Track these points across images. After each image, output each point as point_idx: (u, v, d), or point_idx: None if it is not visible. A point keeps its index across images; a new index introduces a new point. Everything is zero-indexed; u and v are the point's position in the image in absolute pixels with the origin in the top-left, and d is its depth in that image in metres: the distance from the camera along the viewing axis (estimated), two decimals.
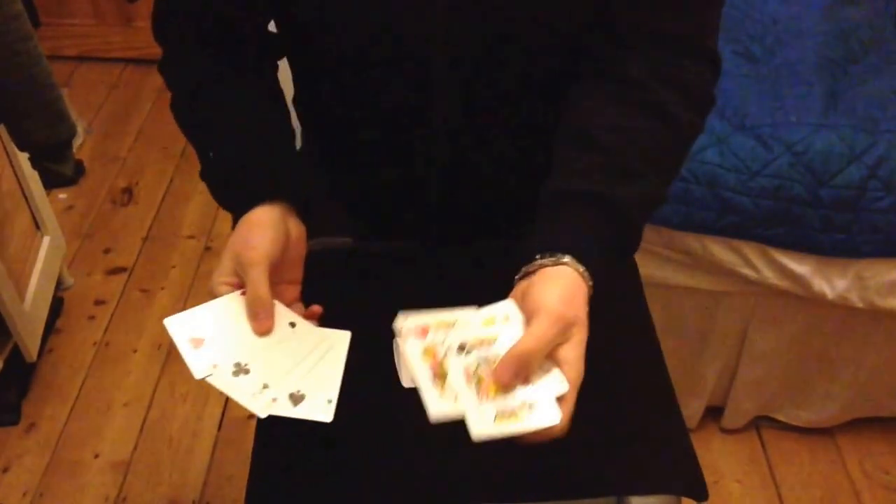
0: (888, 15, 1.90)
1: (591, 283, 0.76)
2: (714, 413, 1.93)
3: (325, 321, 0.99)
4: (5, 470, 1.87)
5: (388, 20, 0.86)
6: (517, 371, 0.70)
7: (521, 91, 0.93)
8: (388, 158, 0.98)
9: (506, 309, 0.76)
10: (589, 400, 0.93)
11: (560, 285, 0.74)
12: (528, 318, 0.73)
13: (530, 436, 0.70)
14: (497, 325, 0.75)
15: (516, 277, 0.79)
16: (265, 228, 0.81)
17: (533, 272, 0.77)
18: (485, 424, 0.69)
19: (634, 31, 0.88)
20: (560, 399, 0.71)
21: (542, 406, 0.69)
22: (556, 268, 0.76)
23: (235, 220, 0.85)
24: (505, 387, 0.70)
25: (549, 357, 0.72)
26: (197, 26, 0.91)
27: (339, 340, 0.79)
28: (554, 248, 0.78)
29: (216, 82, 0.91)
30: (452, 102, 0.92)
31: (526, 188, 0.99)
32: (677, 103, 0.86)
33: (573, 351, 0.72)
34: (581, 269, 0.76)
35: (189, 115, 0.93)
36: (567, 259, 0.76)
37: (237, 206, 0.85)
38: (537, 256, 0.78)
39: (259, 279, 0.77)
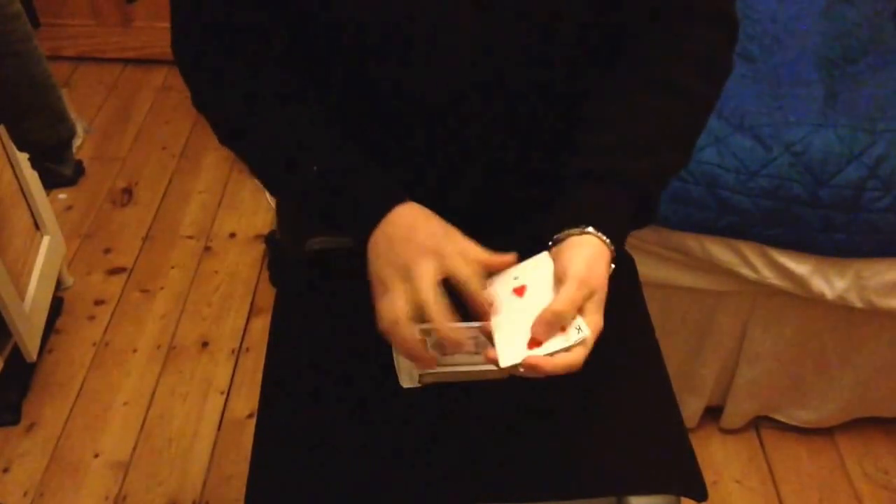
0: (887, 14, 1.90)
1: (612, 248, 0.84)
2: (713, 413, 1.94)
3: (324, 321, 1.00)
4: (5, 470, 1.87)
5: (413, 12, 0.86)
6: (551, 327, 0.79)
7: (541, 83, 0.95)
8: (405, 157, 0.98)
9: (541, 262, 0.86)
10: (588, 400, 0.93)
11: (585, 252, 0.83)
12: (558, 280, 0.82)
13: (547, 363, 0.78)
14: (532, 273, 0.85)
15: (549, 244, 0.86)
16: (441, 222, 0.84)
17: (562, 240, 0.85)
18: (515, 353, 0.80)
19: (646, 4, 0.91)
20: (581, 343, 0.79)
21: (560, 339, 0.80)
22: (581, 237, 0.84)
23: (362, 228, 0.85)
24: (538, 340, 0.80)
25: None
26: (227, 40, 0.90)
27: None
28: (578, 223, 0.84)
29: (276, 98, 0.91)
30: (476, 94, 0.93)
31: (544, 176, 1.02)
32: (690, 78, 0.91)
33: (593, 306, 0.81)
34: (605, 239, 0.84)
35: (257, 137, 0.92)
36: (591, 230, 0.84)
37: (372, 214, 0.85)
38: (565, 231, 0.85)
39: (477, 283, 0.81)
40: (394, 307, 0.79)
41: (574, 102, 1.00)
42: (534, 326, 0.79)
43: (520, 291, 0.84)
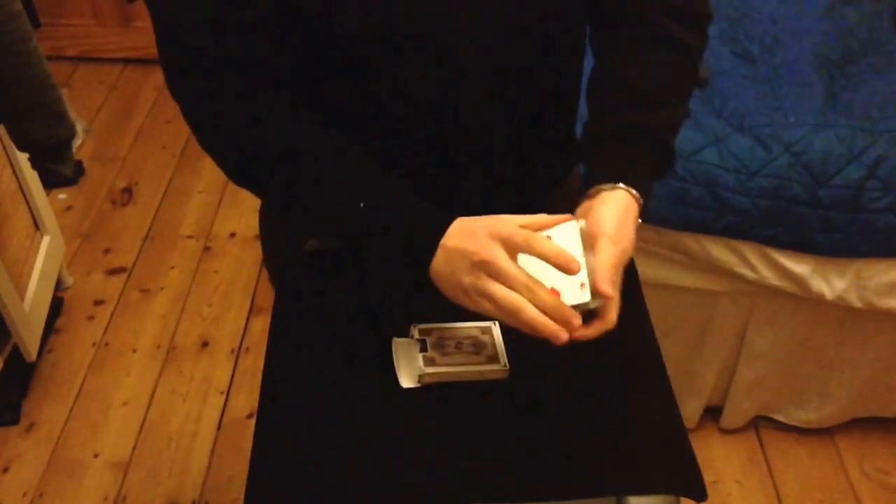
0: (886, 15, 1.90)
1: (641, 201, 0.91)
2: (713, 413, 1.94)
3: (324, 321, 1.00)
4: (5, 470, 1.87)
5: (411, 17, 0.86)
6: (613, 281, 0.84)
7: (541, 60, 0.97)
8: (406, 160, 0.98)
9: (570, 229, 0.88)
10: (588, 400, 0.93)
11: (616, 209, 0.89)
12: (591, 234, 0.86)
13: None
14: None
15: (579, 199, 0.92)
16: (484, 217, 0.85)
17: (593, 195, 0.90)
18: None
19: None
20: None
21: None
22: (612, 191, 0.90)
23: (422, 252, 0.85)
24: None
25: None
26: (227, 74, 0.87)
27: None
28: (608, 179, 0.90)
29: (292, 135, 0.90)
30: (484, 86, 0.93)
31: (546, 154, 1.07)
32: (684, 32, 0.97)
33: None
34: (633, 192, 0.90)
35: (283, 180, 0.90)
36: (621, 185, 0.90)
37: (430, 237, 0.85)
38: (596, 186, 0.90)
39: (542, 239, 0.83)
40: (505, 298, 0.80)
41: (571, 94, 1.05)
42: (598, 290, 0.83)
43: None
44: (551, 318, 0.80)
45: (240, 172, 0.92)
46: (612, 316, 0.85)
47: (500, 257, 0.81)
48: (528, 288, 0.80)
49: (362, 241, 0.90)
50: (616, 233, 0.86)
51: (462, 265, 0.82)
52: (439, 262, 0.85)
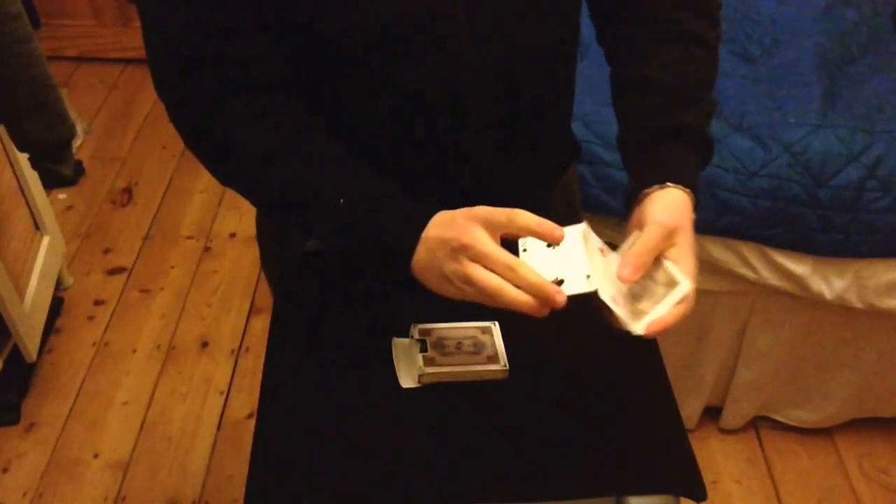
0: (886, 15, 1.90)
1: (692, 196, 0.91)
2: (712, 413, 1.94)
3: (324, 321, 1.00)
4: (5, 470, 1.87)
5: (408, 14, 0.86)
6: (636, 270, 0.85)
7: (537, 59, 0.97)
8: (413, 157, 0.98)
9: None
10: (588, 400, 0.93)
11: (664, 202, 0.89)
12: (639, 226, 0.88)
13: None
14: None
15: (630, 208, 0.93)
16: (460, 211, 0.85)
17: (644, 199, 0.90)
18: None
19: None
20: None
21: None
22: (662, 191, 0.90)
23: (404, 247, 0.85)
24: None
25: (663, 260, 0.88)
26: (212, 76, 0.87)
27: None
28: (655, 181, 0.90)
29: (278, 135, 0.89)
30: (479, 86, 0.93)
31: (541, 159, 1.06)
32: (698, 23, 0.97)
33: (680, 251, 0.88)
34: (684, 189, 0.90)
35: (267, 180, 0.90)
36: (669, 184, 0.90)
37: (412, 231, 0.85)
38: (644, 191, 0.90)
39: (523, 213, 0.82)
40: (486, 281, 0.79)
41: (566, 93, 1.05)
42: (619, 274, 0.84)
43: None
44: (533, 295, 0.79)
45: (224, 174, 0.92)
46: (683, 307, 0.89)
47: (479, 240, 0.80)
48: (509, 267, 0.79)
49: (344, 240, 0.90)
50: (661, 218, 0.87)
51: (443, 253, 0.82)
52: (421, 255, 0.84)
